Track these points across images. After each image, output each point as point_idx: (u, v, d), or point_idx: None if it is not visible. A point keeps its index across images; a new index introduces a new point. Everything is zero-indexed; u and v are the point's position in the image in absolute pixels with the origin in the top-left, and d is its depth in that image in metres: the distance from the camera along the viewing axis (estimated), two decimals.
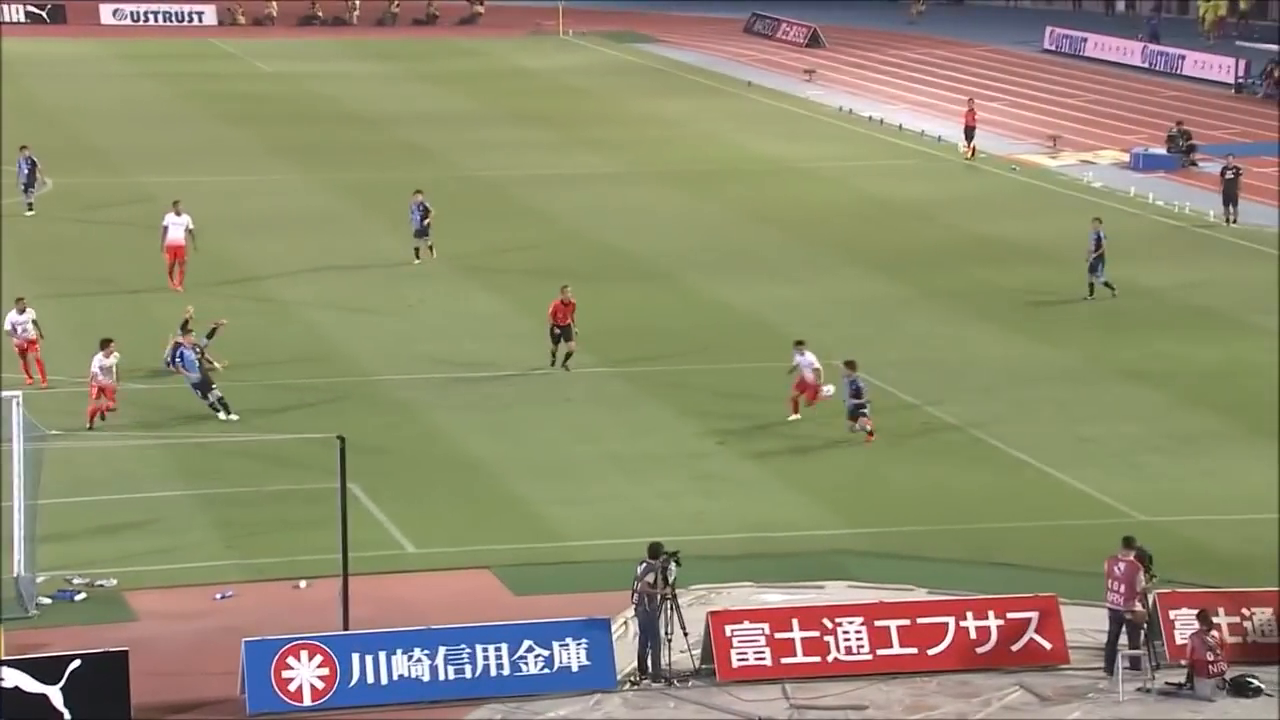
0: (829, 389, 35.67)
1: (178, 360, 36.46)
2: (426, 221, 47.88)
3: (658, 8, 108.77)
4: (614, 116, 73.39)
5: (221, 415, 35.52)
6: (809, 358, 35.88)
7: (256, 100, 74.99)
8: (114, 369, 35.59)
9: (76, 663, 24.05)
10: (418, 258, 47.89)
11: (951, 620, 26.05)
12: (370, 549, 28.88)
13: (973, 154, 64.93)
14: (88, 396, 35.39)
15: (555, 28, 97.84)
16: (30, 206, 52.53)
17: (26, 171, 52.55)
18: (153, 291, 44.87)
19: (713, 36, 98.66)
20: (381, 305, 44.80)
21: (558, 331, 39.15)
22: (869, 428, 34.87)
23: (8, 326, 37.80)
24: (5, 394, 29.29)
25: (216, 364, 36.47)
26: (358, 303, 44.96)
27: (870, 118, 73.07)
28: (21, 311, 37.90)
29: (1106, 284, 45.40)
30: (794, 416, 35.78)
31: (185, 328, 36.84)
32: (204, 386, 35.87)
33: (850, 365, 35.31)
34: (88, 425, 35.00)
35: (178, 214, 46.05)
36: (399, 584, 28.52)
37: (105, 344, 35.79)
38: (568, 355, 39.11)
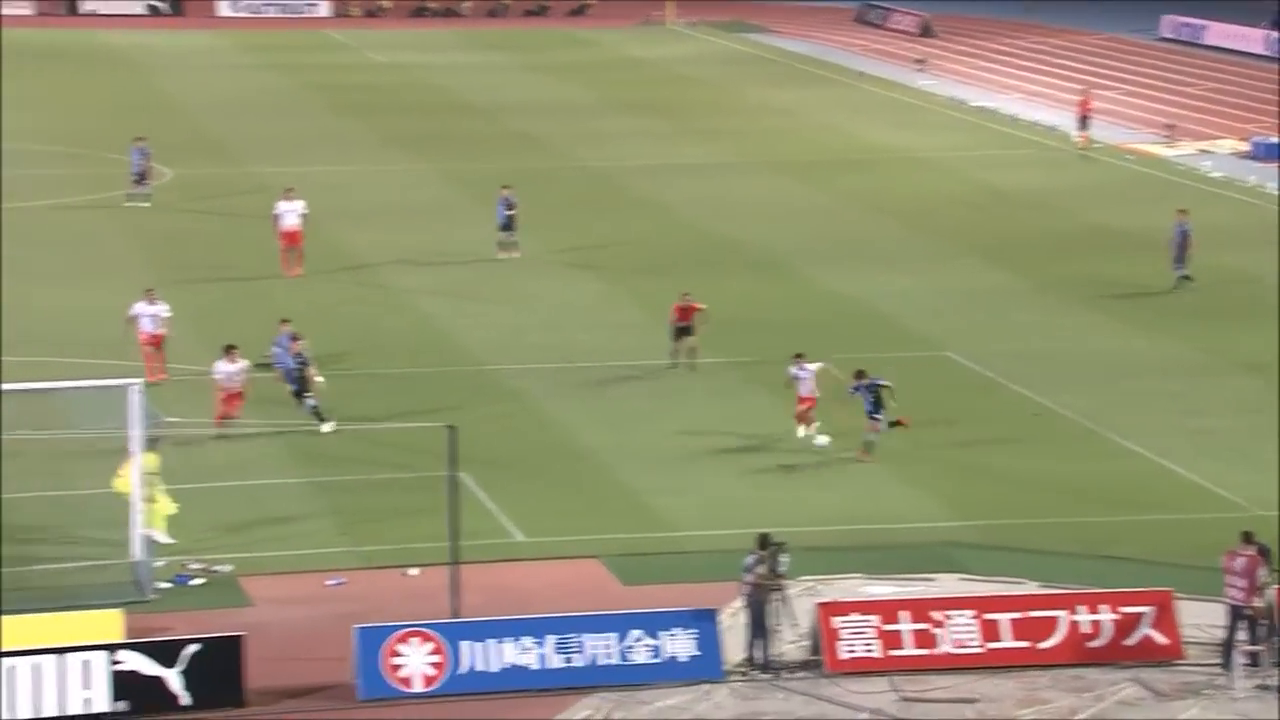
0: (822, 440, 33.56)
1: (273, 359, 36.04)
2: (511, 214, 47.42)
3: None
4: (725, 106, 73.25)
5: (322, 427, 34.53)
6: (810, 369, 34.13)
7: (369, 91, 75.50)
8: (239, 374, 34.53)
9: (193, 646, 24.36)
10: (500, 253, 47.25)
11: (1064, 614, 25.82)
12: (480, 537, 29.01)
13: (1087, 143, 64.27)
14: (214, 396, 34.68)
15: (665, 18, 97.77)
16: (147, 198, 53.11)
17: (140, 163, 53.10)
18: (268, 279, 45.27)
19: (823, 26, 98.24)
20: (493, 295, 44.96)
21: (680, 328, 38.64)
22: (870, 437, 33.08)
23: (132, 314, 37.39)
24: (126, 381, 29.70)
25: (317, 376, 35.40)
26: (469, 292, 45.16)
27: (983, 107, 72.49)
28: (152, 303, 37.45)
29: (1186, 276, 44.77)
30: (804, 432, 33.97)
31: (295, 336, 36.74)
32: (300, 394, 35.14)
33: (860, 374, 33.36)
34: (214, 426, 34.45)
35: (290, 200, 46.40)
36: (508, 572, 28.63)
37: (229, 350, 34.89)
38: (691, 351, 38.50)
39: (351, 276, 46.35)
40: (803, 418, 34.15)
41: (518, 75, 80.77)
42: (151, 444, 29.33)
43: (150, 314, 37.24)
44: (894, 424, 33.42)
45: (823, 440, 33.68)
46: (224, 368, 34.74)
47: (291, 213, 46.26)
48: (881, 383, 33.29)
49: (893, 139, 65.96)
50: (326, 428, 34.54)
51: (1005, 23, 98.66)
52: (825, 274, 47.06)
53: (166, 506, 29.22)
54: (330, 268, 46.58)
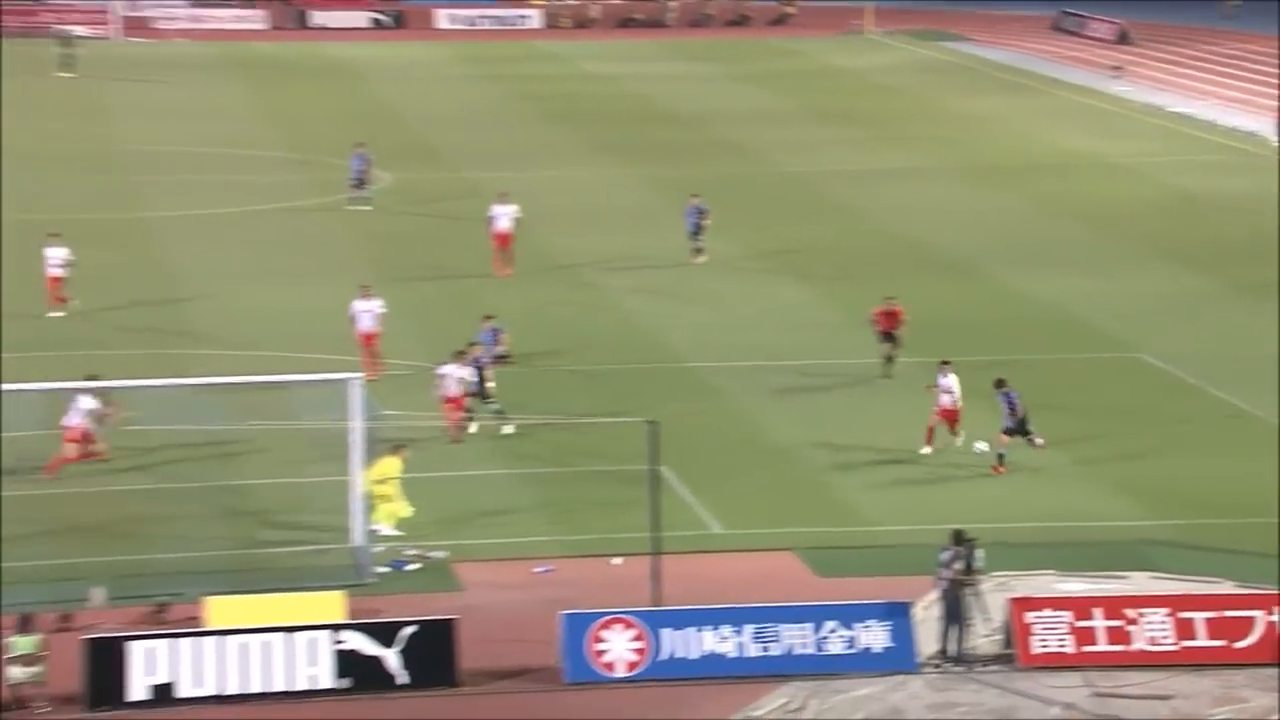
0: (982, 446, 32.34)
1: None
2: (703, 222, 47.13)
3: (967, 6, 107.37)
4: (921, 113, 72.69)
5: (503, 428, 34.28)
6: (951, 380, 33.00)
7: (577, 100, 76.06)
8: (462, 380, 34.03)
9: (410, 628, 24.79)
10: (696, 258, 47.05)
11: (1260, 614, 25.30)
12: (680, 529, 29.10)
13: None
14: (438, 396, 34.29)
15: (864, 27, 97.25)
16: (367, 201, 54.04)
17: (360, 168, 54.03)
18: (480, 278, 45.81)
19: (1021, 34, 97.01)
20: (693, 296, 45.09)
21: (885, 334, 37.84)
22: (1040, 442, 32.23)
23: (351, 312, 37.83)
24: (347, 376, 30.29)
25: (490, 383, 34.99)
26: (670, 293, 45.33)
27: (1179, 113, 71.12)
28: (367, 299, 37.81)
29: None
30: (926, 449, 32.84)
31: (497, 331, 37.10)
32: (482, 394, 34.64)
33: (1000, 383, 32.58)
34: (451, 438, 33.74)
35: (503, 204, 46.97)
36: (707, 563, 28.73)
37: (460, 354, 34.43)
38: (889, 358, 37.80)
39: (558, 277, 46.75)
40: (949, 422, 33.02)
41: (720, 84, 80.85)
42: (398, 446, 29.79)
43: (366, 310, 37.64)
44: (1025, 434, 32.30)
45: (982, 446, 32.48)
46: (455, 371, 34.28)
47: (504, 215, 46.83)
48: (1014, 396, 32.24)
49: (1087, 145, 64.98)
50: (508, 429, 34.41)
51: (1204, 30, 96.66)
52: (1018, 277, 46.53)
53: (402, 508, 29.64)
54: (539, 268, 47.04)
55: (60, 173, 58.19)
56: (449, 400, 34.38)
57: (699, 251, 47.29)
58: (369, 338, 37.51)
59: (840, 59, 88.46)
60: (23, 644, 23.91)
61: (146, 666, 24.01)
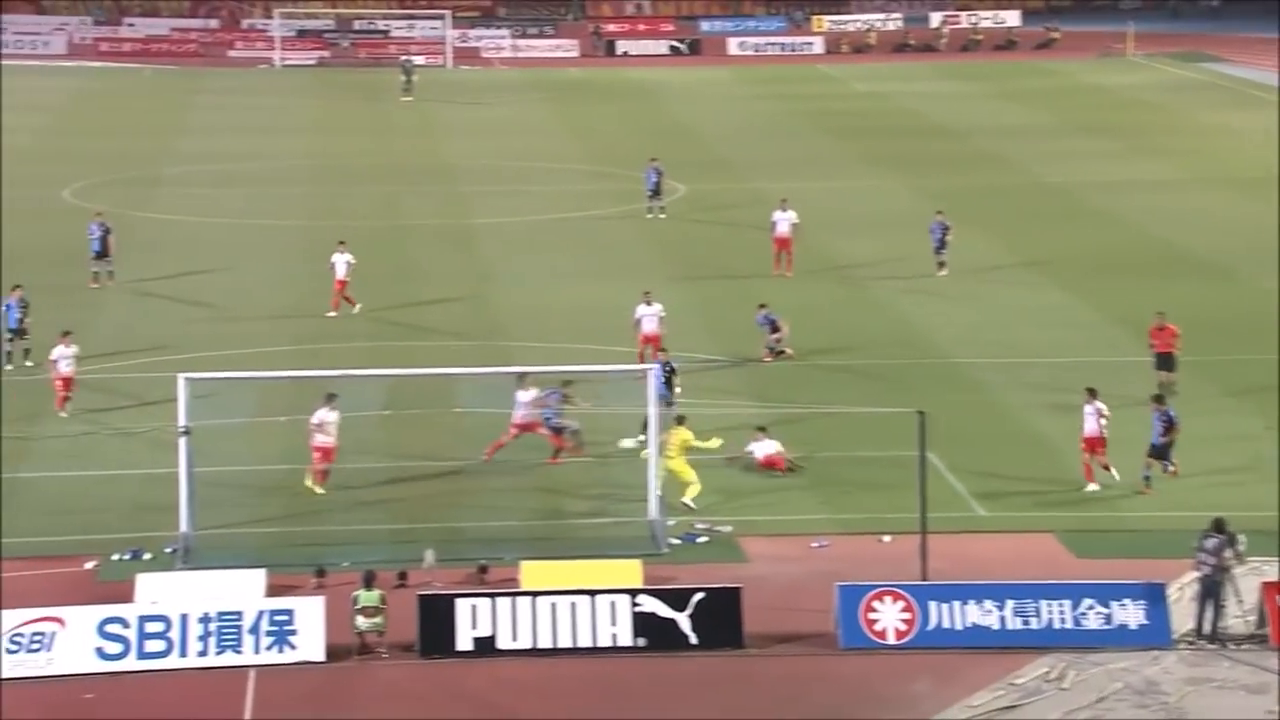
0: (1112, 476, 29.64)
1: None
2: (946, 238, 46.11)
3: (1226, 28, 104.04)
4: (1177, 128, 70.75)
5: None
6: (1097, 406, 30.49)
7: (852, 116, 75.76)
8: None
9: (700, 594, 25.12)
10: (939, 271, 46.08)
11: None
12: (945, 510, 29.00)
13: None
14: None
15: (1125, 50, 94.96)
16: (663, 209, 54.61)
17: (654, 180, 54.61)
18: (761, 278, 45.98)
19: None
20: (958, 296, 44.65)
21: (1162, 357, 35.50)
22: (1172, 469, 30.25)
23: (635, 316, 37.62)
24: (644, 367, 30.82)
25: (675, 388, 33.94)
26: (936, 293, 44.94)
27: None
28: (649, 304, 37.73)
29: None
30: (1092, 486, 30.21)
31: (775, 322, 37.19)
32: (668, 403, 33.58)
33: (1159, 400, 30.85)
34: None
35: (783, 210, 47.08)
36: (971, 543, 28.54)
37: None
38: (1169, 385, 34.77)
39: (834, 278, 46.67)
40: (1093, 450, 30.31)
41: (986, 102, 79.70)
42: (681, 420, 30.19)
43: (649, 314, 37.61)
44: (1163, 458, 30.25)
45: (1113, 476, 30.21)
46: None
47: (784, 221, 46.95)
48: (1172, 415, 30.29)
49: None
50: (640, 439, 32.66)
51: None
52: (1270, 279, 45.06)
53: (688, 474, 29.96)
54: (815, 270, 47.04)
55: (401, 184, 60.05)
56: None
57: (942, 265, 46.39)
58: (651, 339, 37.40)
59: (1099, 78, 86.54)
60: (366, 597, 24.86)
61: (471, 621, 24.74)
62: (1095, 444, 30.50)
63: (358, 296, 43.58)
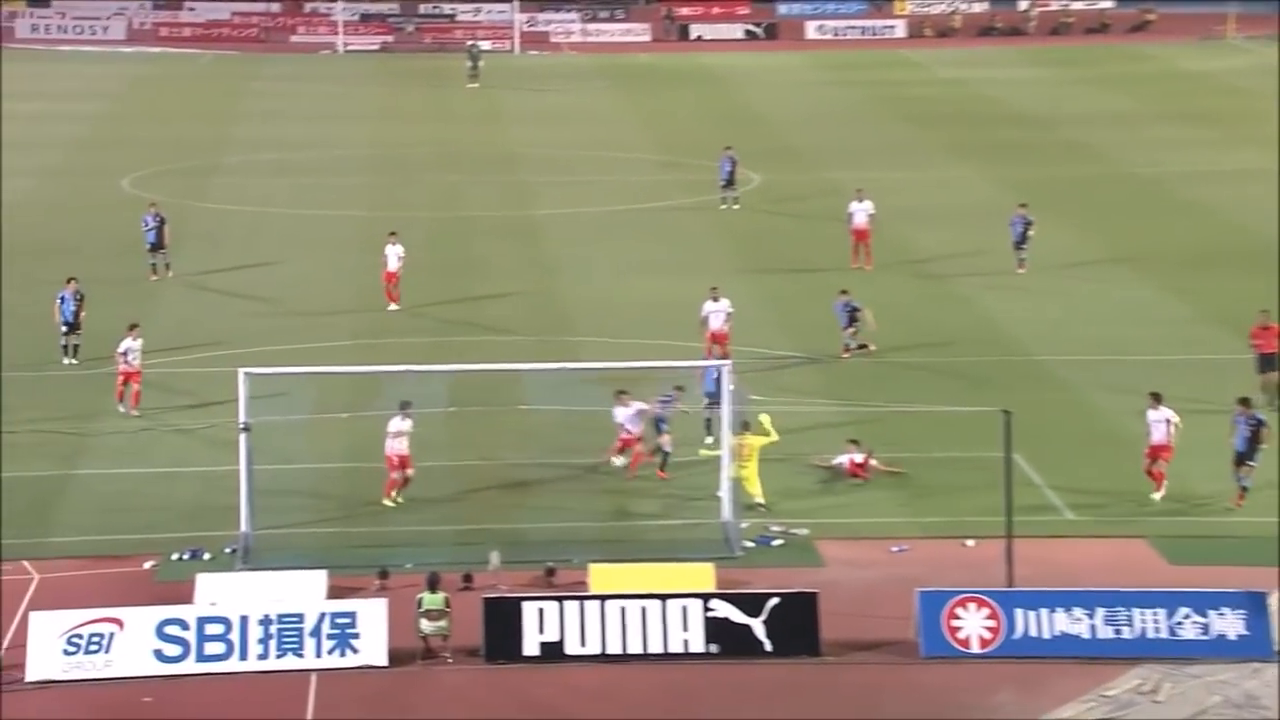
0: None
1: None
2: (1028, 233, 45.52)
3: None
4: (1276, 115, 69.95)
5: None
6: (1163, 413, 29.86)
7: (933, 103, 75.36)
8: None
9: (775, 600, 25.06)
10: (1019, 268, 45.63)
11: None
12: (1031, 514, 28.79)
13: None
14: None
15: (1225, 32, 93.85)
16: (736, 200, 54.52)
17: (728, 170, 54.51)
18: (837, 271, 45.84)
19: None
20: (1042, 290, 44.31)
21: (1265, 358, 34.82)
22: (1247, 483, 29.19)
23: (702, 314, 37.33)
24: (716, 363, 30.76)
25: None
26: (1020, 288, 44.64)
27: None
28: (716, 300, 37.42)
29: None
30: (1159, 494, 29.62)
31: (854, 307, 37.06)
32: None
33: (1245, 403, 29.80)
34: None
35: (860, 201, 46.88)
36: (1058, 547, 28.32)
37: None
38: (1270, 387, 34.31)
39: (913, 272, 46.44)
40: (1156, 458, 29.75)
41: (1075, 88, 79.10)
42: (746, 426, 29.99)
43: (716, 311, 37.39)
44: (1242, 464, 29.16)
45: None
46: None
47: (861, 212, 46.78)
48: (1261, 419, 29.38)
49: None
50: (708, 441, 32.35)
51: None
52: None
53: (755, 486, 29.76)
54: (894, 263, 46.83)
55: (465, 173, 60.24)
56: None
57: (1022, 263, 45.76)
58: (718, 337, 37.23)
59: (1197, 63, 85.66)
60: (430, 600, 24.96)
61: (539, 625, 24.79)
62: (1161, 451, 29.77)
63: (418, 290, 43.77)
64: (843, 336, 38.52)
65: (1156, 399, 30.20)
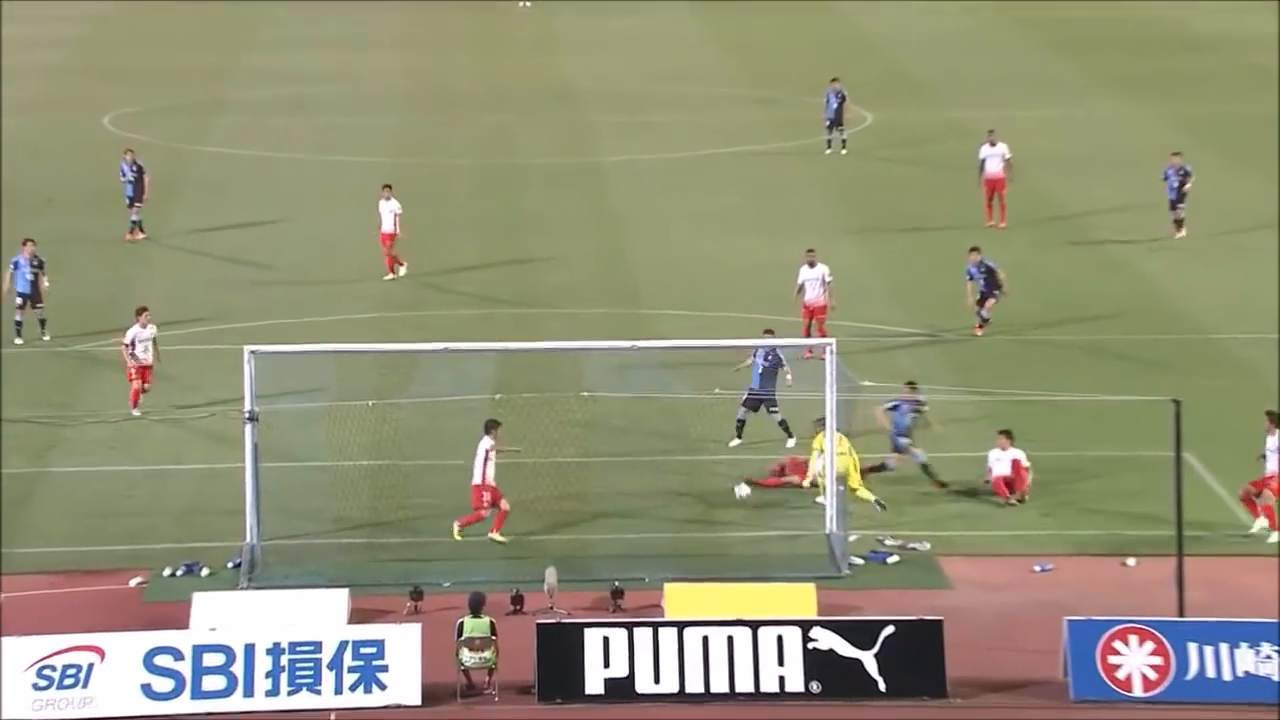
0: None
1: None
2: (1185, 188, 44.66)
3: None
4: None
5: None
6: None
7: (1085, 25, 74.72)
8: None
9: (891, 629, 24.88)
10: (1176, 231, 45.02)
11: None
12: (1207, 526, 28.53)
13: None
14: None
15: None
16: (844, 143, 54.29)
17: (834, 107, 54.23)
18: (964, 230, 45.42)
19: None
20: (1219, 254, 43.97)
21: None
22: None
23: (799, 281, 37.13)
24: (818, 341, 30.53)
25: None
26: (1192, 251, 44.27)
27: None
28: (813, 265, 37.22)
29: None
30: (1261, 524, 29.01)
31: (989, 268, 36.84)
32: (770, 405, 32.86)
33: None
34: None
35: (993, 144, 46.51)
36: (1241, 568, 28.01)
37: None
38: None
39: (1057, 231, 46.24)
40: (1252, 500, 29.37)
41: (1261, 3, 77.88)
42: (820, 422, 29.48)
43: (812, 279, 37.17)
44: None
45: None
46: None
47: (995, 158, 46.48)
48: None
49: None
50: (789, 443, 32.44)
51: None
52: None
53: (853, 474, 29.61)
54: (1035, 220, 46.54)
55: (514, 112, 60.22)
56: None
57: (1179, 224, 44.86)
58: (815, 310, 37.02)
59: None
60: (472, 626, 24.91)
61: (603, 657, 24.72)
62: (1267, 484, 29.21)
63: (458, 253, 43.82)
64: (975, 309, 38.24)
65: (1275, 420, 29.35)
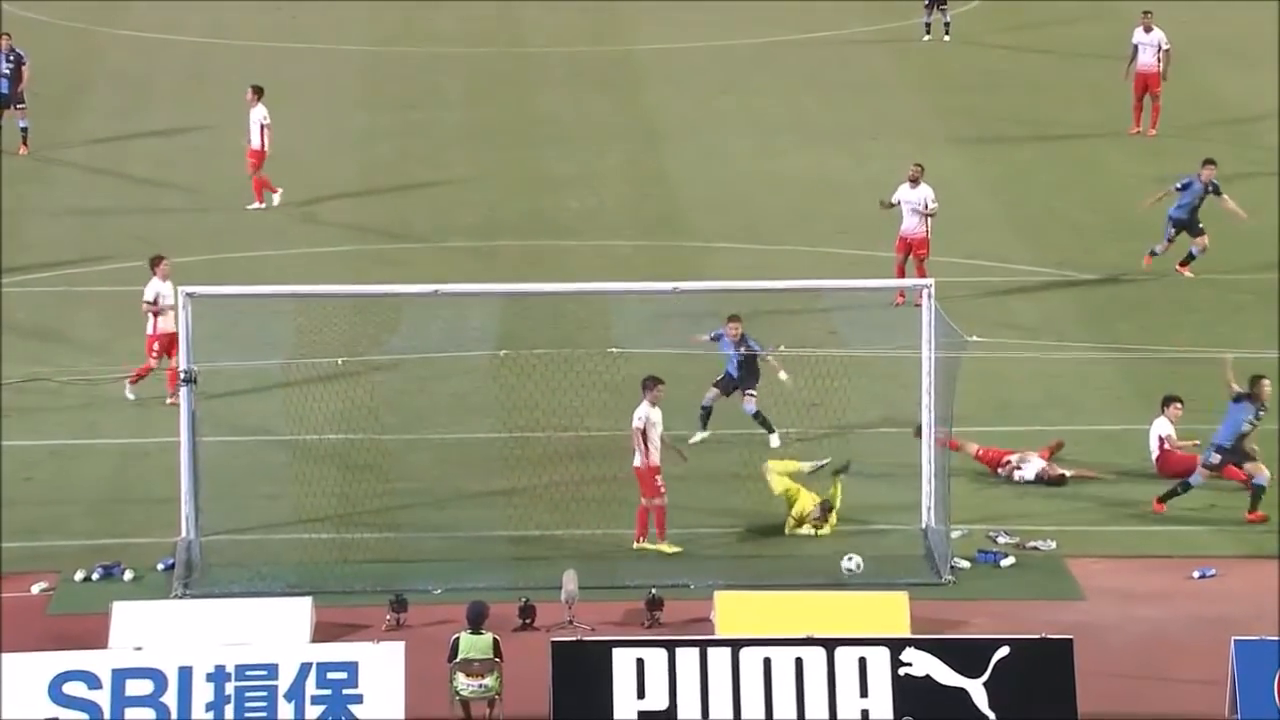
0: None
1: None
2: None
3: None
4: None
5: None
6: None
7: None
8: None
9: (1004, 650, 25.17)
10: None
11: None
12: None
13: None
14: None
15: None
16: (947, 27, 54.28)
17: None
18: (1098, 138, 45.61)
19: None
20: None
21: None
22: None
23: (893, 199, 37.55)
24: (914, 282, 30.87)
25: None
26: None
27: None
28: (914, 185, 37.28)
29: None
30: None
31: None
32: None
33: None
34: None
35: (1148, 29, 46.56)
36: None
37: None
38: None
39: (1229, 136, 46.19)
40: None
41: None
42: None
43: (911, 203, 37.34)
44: None
45: None
46: None
47: (1148, 47, 46.57)
48: None
49: None
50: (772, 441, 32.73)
51: None
52: None
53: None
54: (1198, 123, 46.76)
55: None
56: None
57: None
58: (914, 243, 37.31)
59: None
60: (470, 644, 25.19)
61: (637, 684, 25.02)
62: None
63: (450, 166, 44.11)
64: (1169, 236, 38.32)
65: None
